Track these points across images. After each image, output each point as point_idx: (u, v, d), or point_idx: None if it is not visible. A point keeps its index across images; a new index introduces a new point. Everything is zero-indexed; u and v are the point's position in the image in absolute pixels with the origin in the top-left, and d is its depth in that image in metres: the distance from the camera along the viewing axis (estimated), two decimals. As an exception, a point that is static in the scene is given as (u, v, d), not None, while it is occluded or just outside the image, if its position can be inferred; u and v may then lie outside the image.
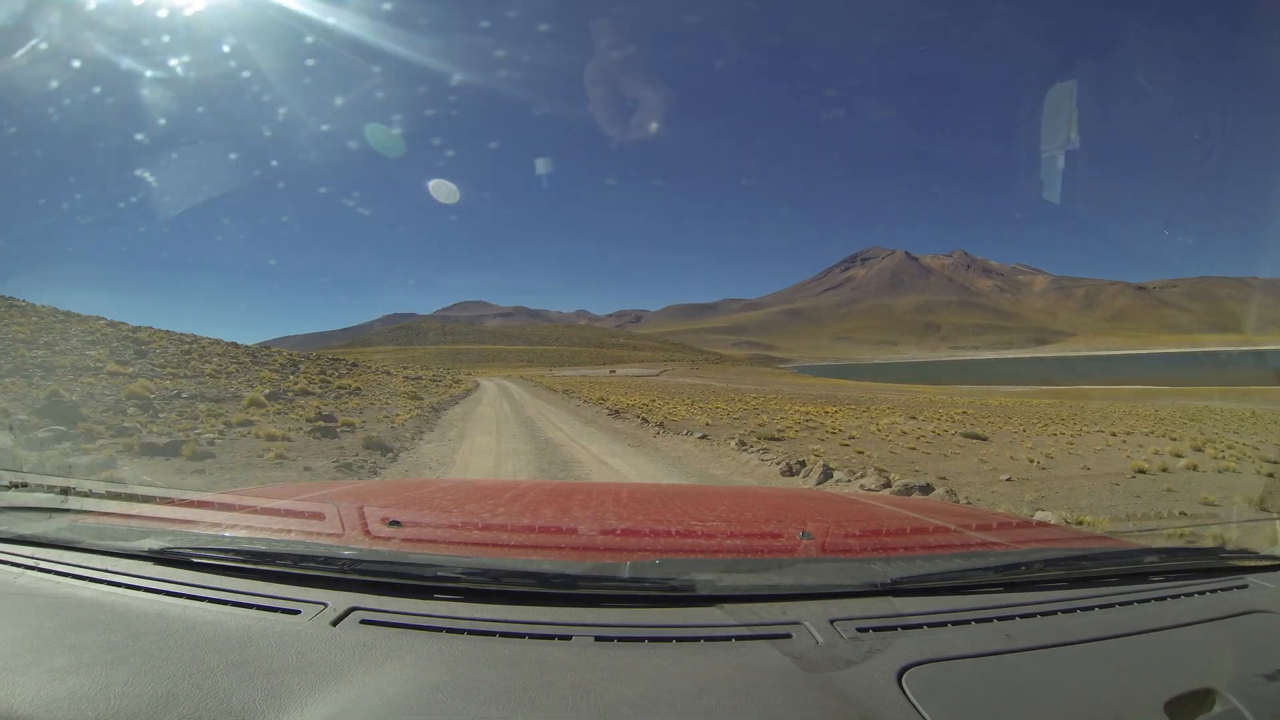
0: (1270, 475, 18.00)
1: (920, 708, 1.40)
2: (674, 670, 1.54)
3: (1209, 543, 2.15)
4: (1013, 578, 2.18)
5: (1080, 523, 10.57)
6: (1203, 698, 1.50)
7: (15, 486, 3.30)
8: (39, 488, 3.34)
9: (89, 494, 3.46)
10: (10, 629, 1.72)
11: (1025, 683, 1.56)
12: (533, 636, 1.71)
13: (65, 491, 3.27)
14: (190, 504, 3.47)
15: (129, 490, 4.16)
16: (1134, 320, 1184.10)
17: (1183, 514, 11.84)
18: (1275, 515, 10.57)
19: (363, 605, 1.85)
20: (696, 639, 1.71)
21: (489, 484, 6.77)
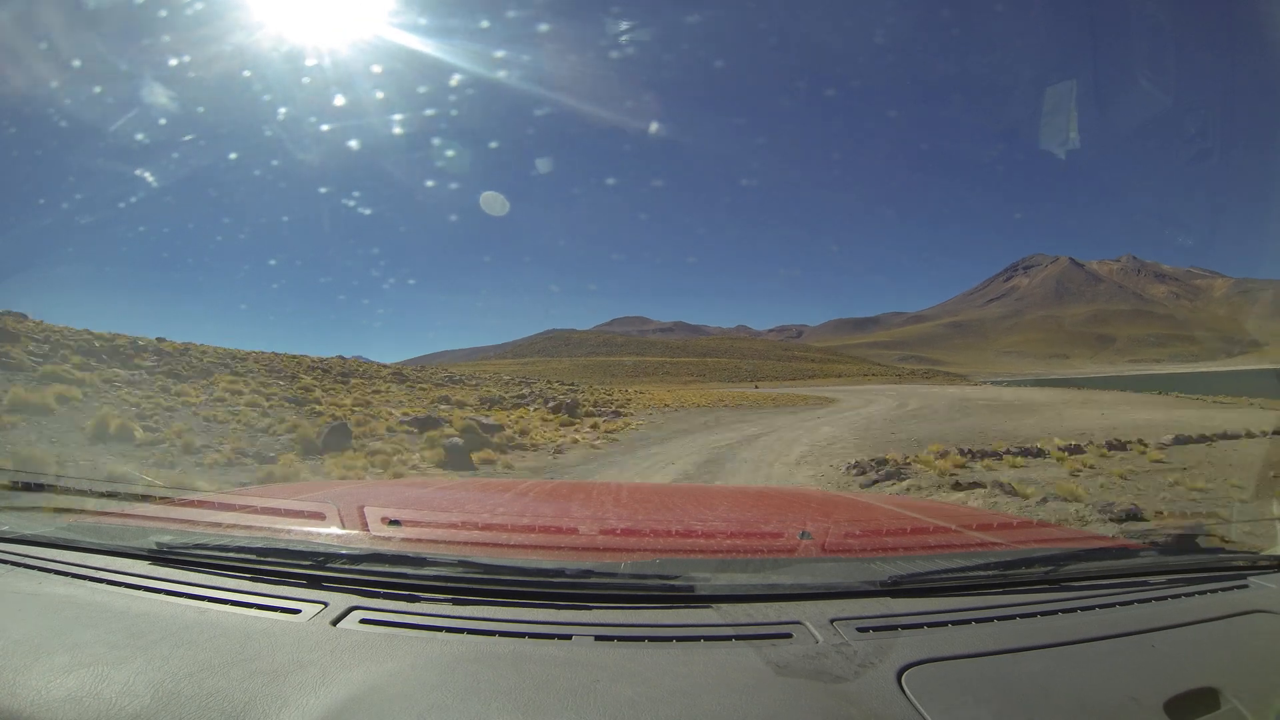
0: (1275, 476, 16.50)
1: (920, 707, 1.41)
2: (674, 670, 1.55)
3: (1209, 543, 2.20)
4: (1013, 578, 2.19)
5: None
6: (1203, 698, 1.50)
7: (15, 486, 3.36)
8: (39, 487, 3.36)
9: (89, 494, 3.55)
10: (10, 629, 1.72)
11: (1025, 683, 1.57)
12: (533, 636, 1.71)
13: (65, 491, 3.32)
14: (190, 504, 3.56)
15: (129, 490, 3.99)
16: None
17: (1183, 514, 11.67)
18: (1275, 515, 7.41)
19: (363, 605, 1.86)
20: (696, 639, 1.71)
21: (489, 484, 6.81)
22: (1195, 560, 2.45)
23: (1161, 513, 11.68)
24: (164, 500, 3.45)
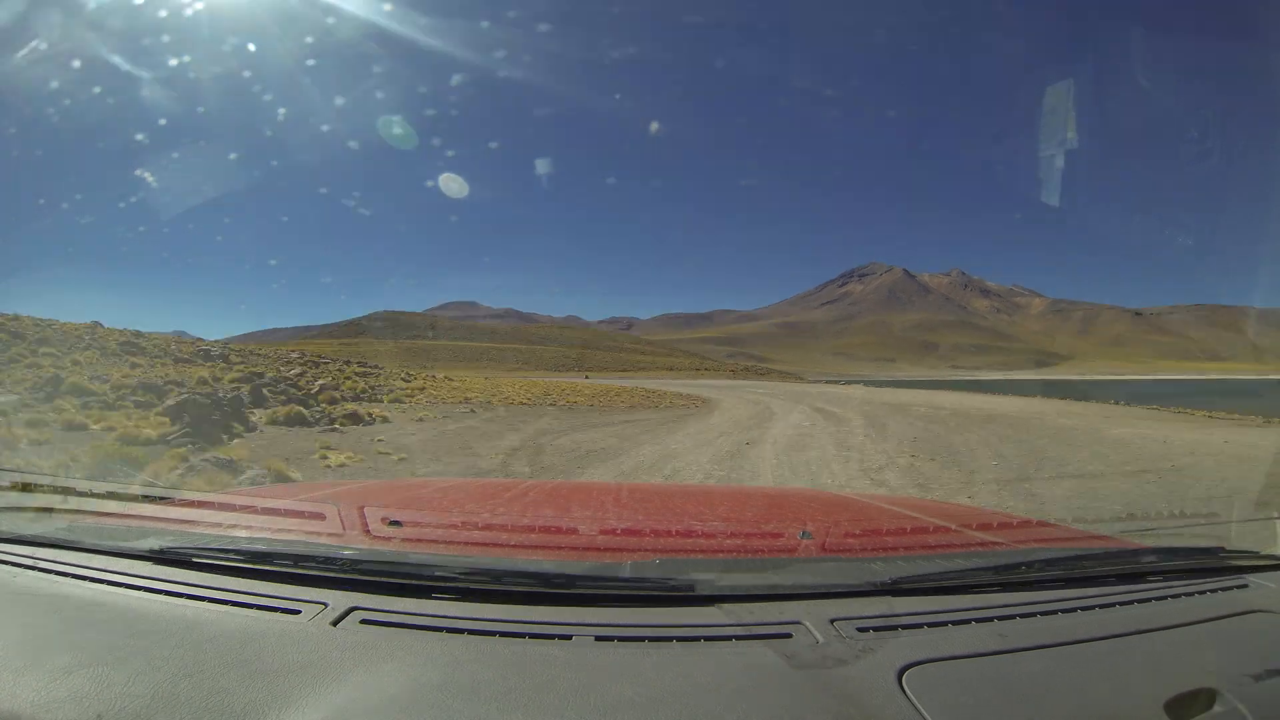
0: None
1: (920, 707, 1.41)
2: (674, 670, 1.55)
3: (1209, 543, 2.25)
4: (1013, 577, 2.19)
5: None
6: (1203, 698, 1.50)
7: (16, 486, 3.38)
8: (39, 487, 3.41)
9: (89, 494, 3.59)
10: (10, 629, 1.73)
11: (1025, 682, 1.57)
12: (533, 636, 1.71)
13: (65, 491, 3.39)
14: (190, 504, 3.57)
15: (129, 490, 4.11)
16: (1131, 345, 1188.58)
17: (1182, 514, 10.14)
18: (1275, 515, 9.25)
19: (363, 605, 1.86)
20: (697, 639, 1.72)
21: (489, 484, 6.89)
22: (1195, 560, 2.46)
23: (1162, 513, 10.37)
24: (164, 500, 3.47)
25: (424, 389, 47.72)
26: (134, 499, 3.43)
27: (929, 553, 2.62)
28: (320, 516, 2.82)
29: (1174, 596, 2.14)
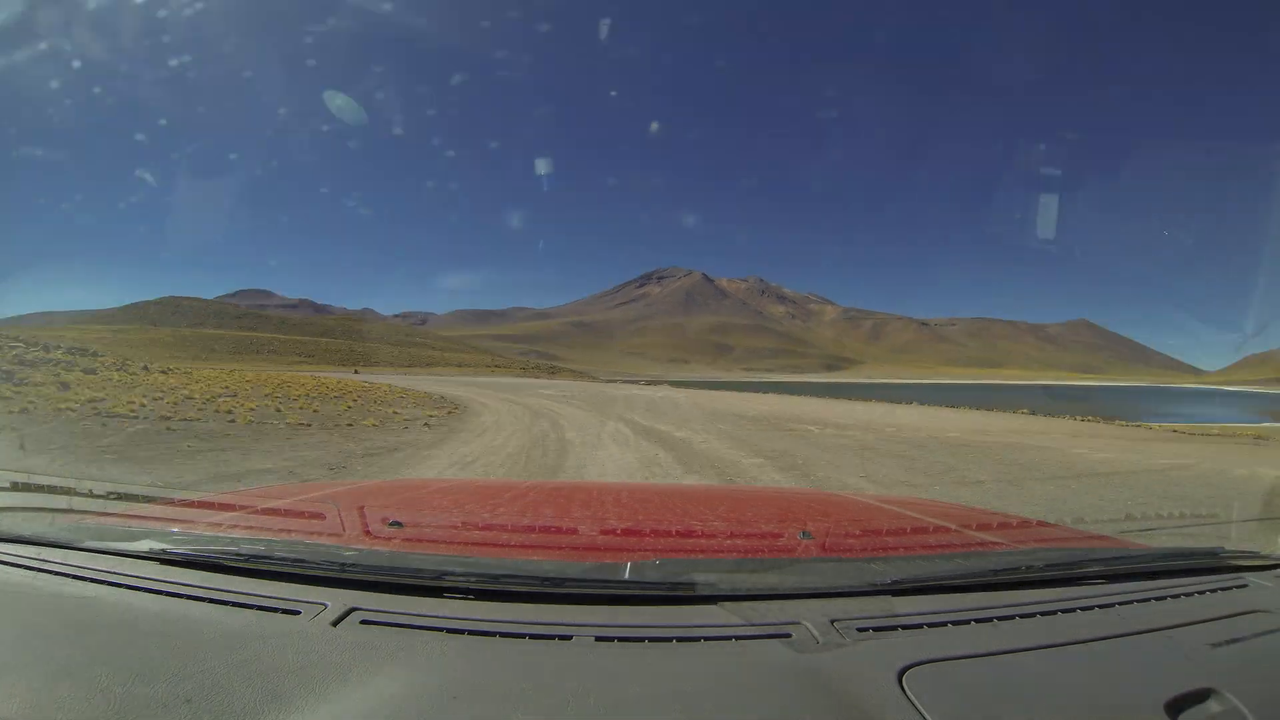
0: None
1: (920, 708, 1.41)
2: (674, 670, 1.55)
3: (1209, 543, 2.34)
4: (1013, 578, 2.20)
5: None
6: (1203, 698, 1.51)
7: (16, 486, 3.44)
8: (39, 488, 3.45)
9: (89, 494, 3.60)
10: (10, 629, 1.73)
11: (1025, 683, 1.57)
12: (533, 636, 1.71)
13: (65, 491, 3.39)
14: (190, 504, 3.58)
15: (129, 490, 4.35)
16: (917, 353, 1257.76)
17: (1182, 514, 11.47)
18: (1275, 515, 10.72)
19: (363, 605, 1.86)
20: (697, 639, 1.72)
21: (489, 484, 7.02)
22: (1195, 560, 2.47)
23: (1161, 513, 11.58)
24: (164, 501, 3.59)
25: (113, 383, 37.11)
26: (134, 499, 3.53)
27: (929, 553, 2.63)
28: (320, 516, 2.84)
29: (1174, 596, 2.14)
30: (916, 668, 1.57)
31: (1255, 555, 2.48)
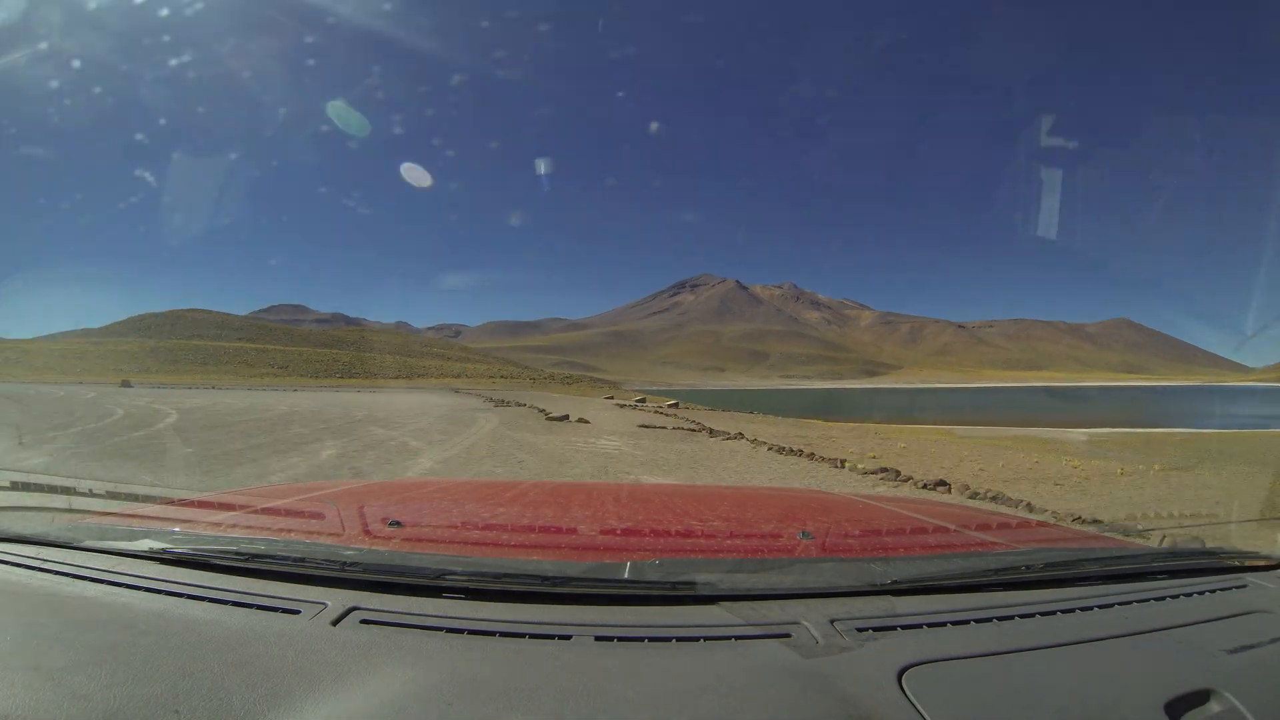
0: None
1: (920, 707, 1.41)
2: (674, 670, 1.55)
3: (1209, 543, 2.40)
4: (1012, 578, 2.20)
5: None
6: (1203, 698, 1.51)
7: (16, 486, 3.56)
8: (39, 487, 3.50)
9: (89, 494, 3.66)
10: (10, 629, 1.73)
11: (1025, 683, 1.58)
12: (533, 636, 1.72)
13: (66, 491, 3.47)
14: (190, 504, 3.57)
15: (129, 490, 4.44)
16: (956, 356, 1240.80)
17: (1182, 514, 11.82)
18: (1275, 515, 10.73)
19: (363, 605, 1.87)
20: (696, 639, 1.72)
21: (489, 484, 6.95)
22: (1195, 560, 2.48)
23: (1161, 513, 11.75)
24: (165, 501, 3.56)
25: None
26: (134, 499, 3.57)
27: (929, 553, 2.64)
28: (320, 516, 2.85)
29: (1174, 596, 2.14)
30: (916, 668, 1.57)
31: (1255, 555, 2.48)
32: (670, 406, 55.92)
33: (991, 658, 1.67)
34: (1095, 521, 10.81)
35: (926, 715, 1.39)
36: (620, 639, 1.71)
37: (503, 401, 57.20)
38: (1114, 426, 47.16)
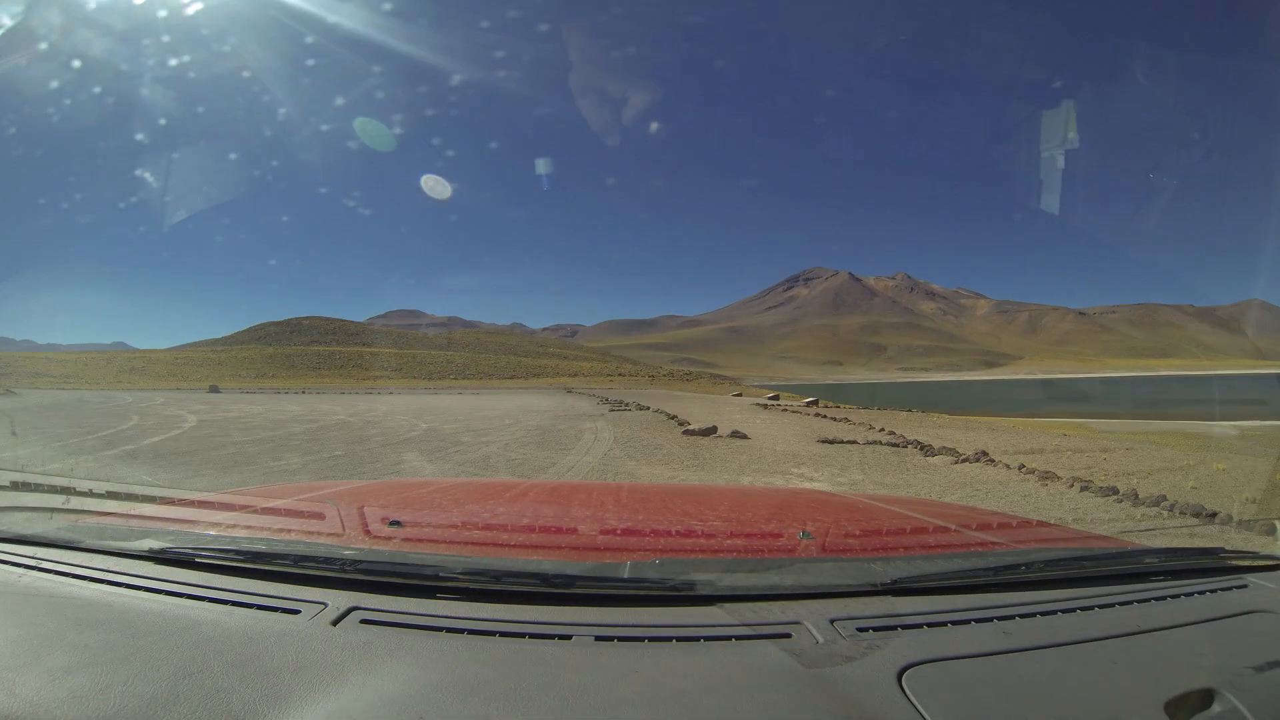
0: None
1: (920, 707, 1.41)
2: (674, 670, 1.55)
3: (1209, 543, 2.41)
4: (1012, 577, 2.21)
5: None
6: (1202, 698, 1.51)
7: (16, 486, 3.54)
8: (39, 487, 3.55)
9: (89, 494, 3.68)
10: (10, 629, 1.74)
11: (1025, 683, 1.58)
12: (533, 636, 1.72)
13: (66, 491, 3.49)
14: (190, 504, 3.60)
15: (129, 490, 4.42)
16: (1077, 344, 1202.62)
17: (1182, 514, 11.67)
18: (1275, 515, 10.76)
19: (363, 605, 1.87)
20: (697, 639, 1.72)
21: (489, 484, 6.91)
22: (1195, 560, 2.47)
23: (1162, 513, 11.63)
24: (165, 501, 3.58)
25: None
26: (134, 499, 3.59)
27: (929, 553, 2.65)
28: (320, 516, 2.86)
29: (1174, 596, 2.15)
30: (916, 667, 1.57)
31: (1255, 555, 2.48)
32: (809, 404, 50.06)
33: (991, 658, 1.67)
34: (1099, 521, 10.77)
35: (926, 715, 1.39)
36: (620, 639, 1.71)
37: (621, 404, 47.32)
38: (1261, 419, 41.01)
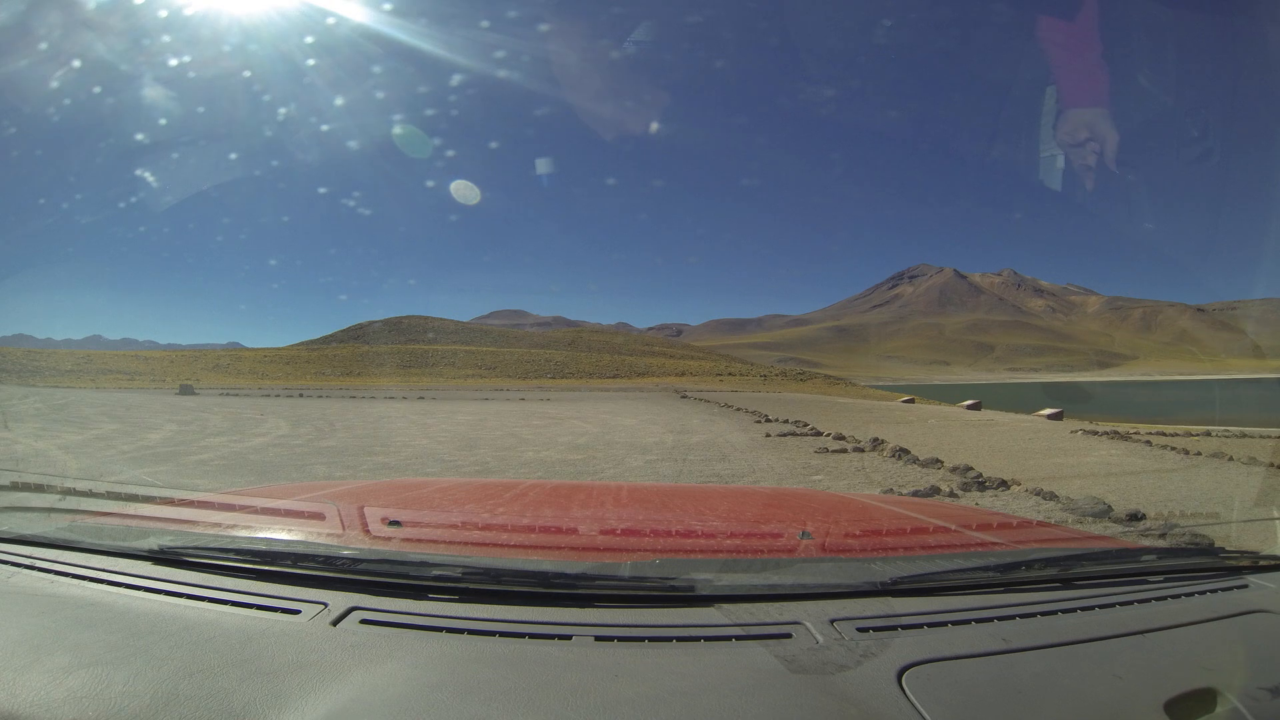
0: (1272, 464, 16.24)
1: (920, 708, 1.41)
2: (674, 670, 1.56)
3: (1209, 543, 2.41)
4: (1012, 578, 2.20)
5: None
6: (1203, 698, 1.51)
7: (16, 486, 3.55)
8: (39, 487, 3.53)
9: (89, 494, 3.72)
10: (10, 629, 1.74)
11: (1025, 683, 1.57)
12: (533, 636, 1.72)
13: (65, 491, 3.49)
14: (190, 504, 3.57)
15: (129, 490, 4.43)
16: (1196, 343, 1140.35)
17: (1182, 514, 11.26)
18: (1275, 515, 10.59)
19: (363, 605, 1.87)
20: (697, 639, 1.72)
21: (489, 484, 6.79)
22: (1195, 560, 2.47)
23: (1163, 513, 11.31)
24: (164, 501, 3.56)
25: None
26: (134, 499, 3.64)
27: (929, 553, 2.64)
28: (320, 516, 2.86)
29: (1174, 596, 2.15)
30: (916, 668, 1.57)
31: (1255, 555, 2.48)
32: (970, 407, 45.83)
33: (991, 658, 1.67)
34: (1099, 521, 10.44)
35: (926, 715, 1.39)
36: (620, 639, 1.72)
37: (785, 425, 28.17)
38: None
